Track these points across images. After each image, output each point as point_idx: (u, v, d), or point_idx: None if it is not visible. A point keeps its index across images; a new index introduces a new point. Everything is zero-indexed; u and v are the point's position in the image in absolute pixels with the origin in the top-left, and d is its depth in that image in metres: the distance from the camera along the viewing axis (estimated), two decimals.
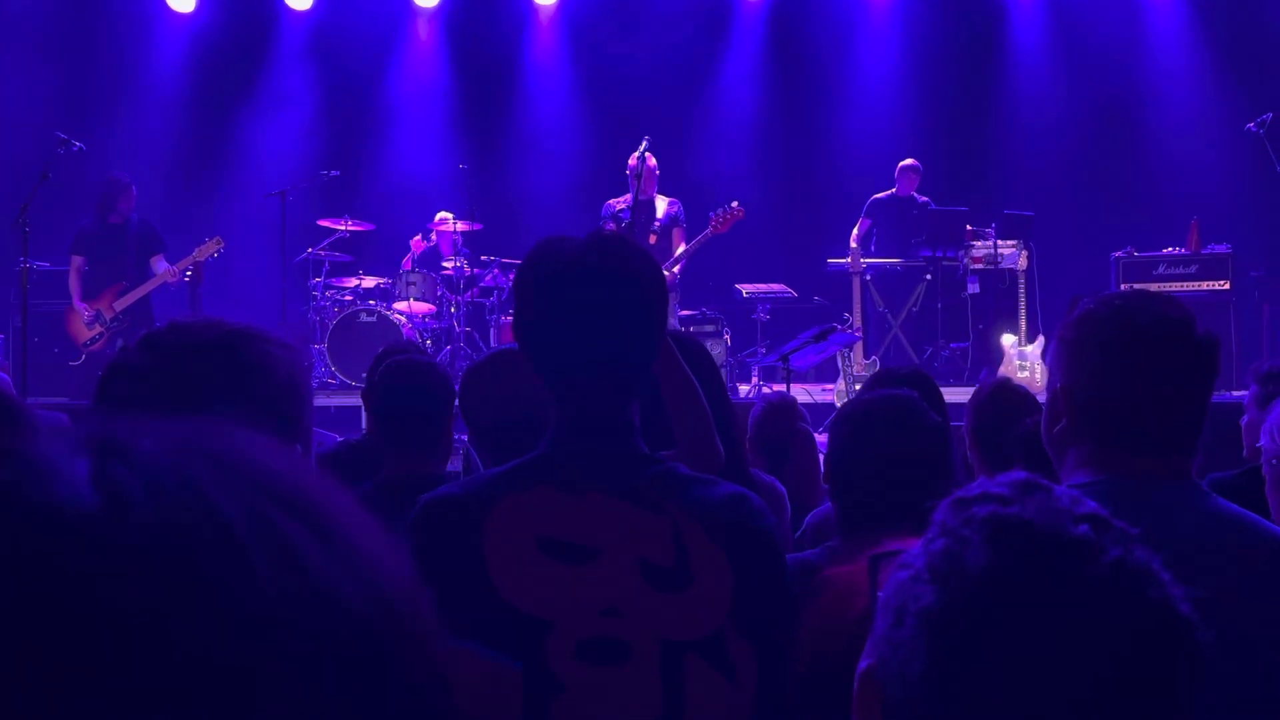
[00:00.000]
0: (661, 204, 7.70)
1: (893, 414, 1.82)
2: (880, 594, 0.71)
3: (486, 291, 8.32)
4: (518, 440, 1.83)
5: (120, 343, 7.34)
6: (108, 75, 9.55)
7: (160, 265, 7.42)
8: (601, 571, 1.36)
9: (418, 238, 8.65)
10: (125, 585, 0.39)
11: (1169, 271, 7.85)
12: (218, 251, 7.22)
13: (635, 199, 7.32)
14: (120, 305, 7.40)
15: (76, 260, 7.46)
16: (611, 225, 7.56)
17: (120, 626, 0.38)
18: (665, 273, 1.86)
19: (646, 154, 7.29)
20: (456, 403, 2.41)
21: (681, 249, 7.49)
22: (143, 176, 8.01)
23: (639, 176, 7.28)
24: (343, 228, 8.31)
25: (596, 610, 1.35)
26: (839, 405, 7.40)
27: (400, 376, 2.49)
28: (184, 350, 1.09)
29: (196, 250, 7.20)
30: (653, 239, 7.48)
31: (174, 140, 9.65)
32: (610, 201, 7.74)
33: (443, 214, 8.47)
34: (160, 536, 0.40)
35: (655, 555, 1.36)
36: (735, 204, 7.27)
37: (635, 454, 1.43)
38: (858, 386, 7.43)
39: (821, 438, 3.84)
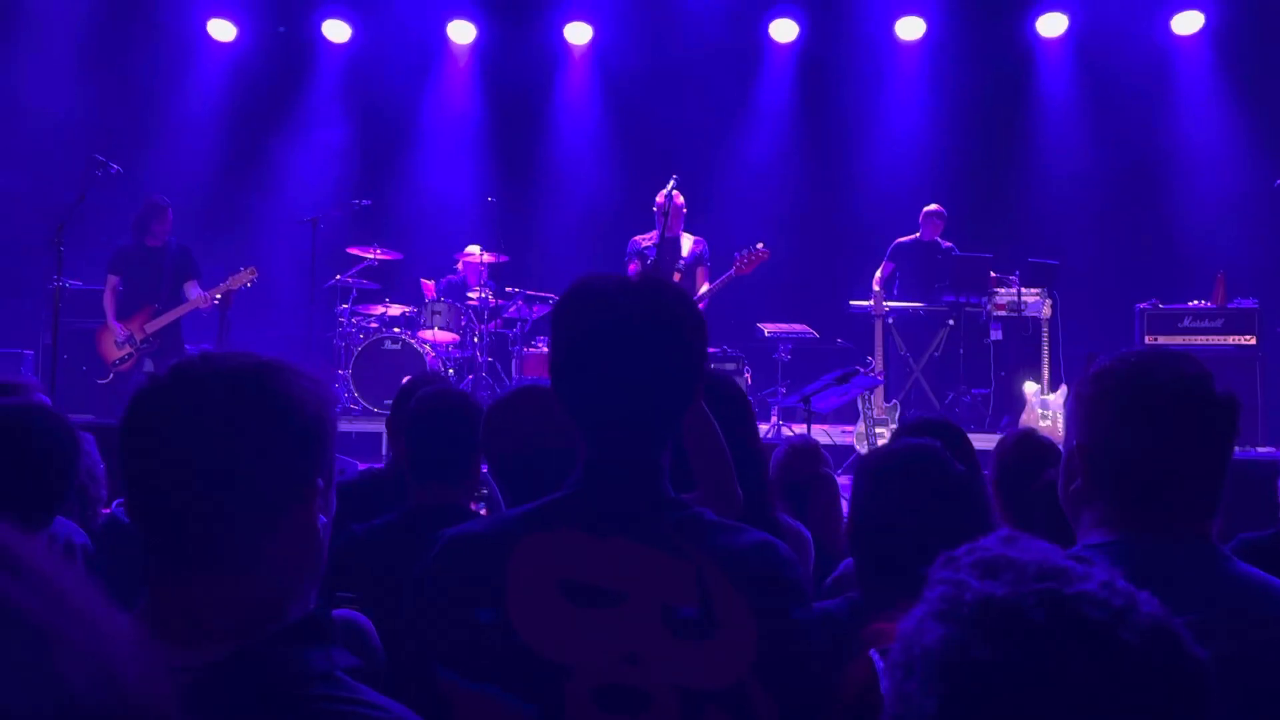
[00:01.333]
0: (687, 242, 7.73)
1: (914, 468, 1.78)
2: (883, 676, 0.73)
3: (510, 323, 8.39)
4: (538, 476, 1.83)
5: (147, 364, 7.41)
6: (147, 100, 9.72)
7: (194, 291, 7.48)
8: (623, 617, 1.32)
9: (430, 284, 8.73)
10: None
11: (1194, 325, 7.78)
12: (251, 281, 7.28)
13: (661, 236, 7.34)
14: (152, 328, 7.47)
15: (112, 279, 7.54)
16: (636, 262, 7.60)
17: None
18: None
19: (674, 192, 7.32)
20: None
21: (705, 288, 7.51)
22: (178, 200, 8.10)
23: (666, 214, 7.32)
24: (371, 256, 8.39)
25: (616, 657, 1.31)
26: (858, 447, 7.37)
27: (435, 407, 2.49)
28: (212, 380, 1.09)
29: (230, 279, 7.26)
30: (677, 277, 7.50)
31: (210, 166, 9.79)
32: (636, 238, 7.78)
33: (472, 246, 8.56)
34: None
35: (678, 602, 1.32)
36: (760, 245, 7.29)
37: (661, 498, 1.40)
38: (877, 429, 7.41)
39: (841, 479, 3.83)
